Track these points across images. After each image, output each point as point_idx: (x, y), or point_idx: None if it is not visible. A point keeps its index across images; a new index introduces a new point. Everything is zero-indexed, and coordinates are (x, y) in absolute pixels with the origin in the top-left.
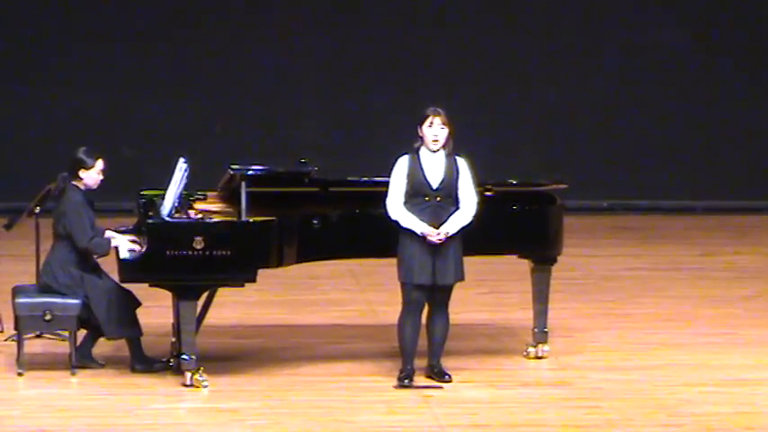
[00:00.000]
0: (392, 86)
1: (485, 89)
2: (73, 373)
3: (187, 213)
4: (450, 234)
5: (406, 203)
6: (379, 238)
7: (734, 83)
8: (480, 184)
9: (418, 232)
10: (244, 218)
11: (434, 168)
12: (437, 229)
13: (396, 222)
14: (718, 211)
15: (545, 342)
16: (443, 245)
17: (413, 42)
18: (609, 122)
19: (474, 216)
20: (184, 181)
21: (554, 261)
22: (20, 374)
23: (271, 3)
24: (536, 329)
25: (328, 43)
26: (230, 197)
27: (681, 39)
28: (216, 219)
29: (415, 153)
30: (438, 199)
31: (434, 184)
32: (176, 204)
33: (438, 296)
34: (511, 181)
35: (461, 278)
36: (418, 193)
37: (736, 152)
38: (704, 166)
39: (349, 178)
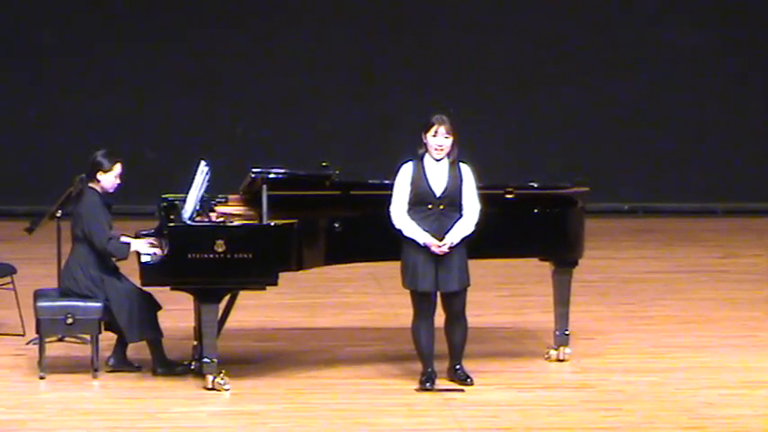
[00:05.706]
0: (414, 89)
1: (506, 93)
2: (94, 377)
3: (208, 216)
4: (454, 244)
5: (409, 211)
6: (400, 241)
7: (755, 86)
8: (501, 186)
9: (421, 243)
10: (265, 221)
11: (438, 176)
12: (440, 237)
13: (399, 231)
14: (739, 214)
15: (566, 345)
16: (447, 253)
17: (433, 46)
18: (630, 125)
19: (477, 224)
20: (206, 184)
21: (575, 264)
22: (42, 378)
23: (292, 6)
24: (557, 332)
25: (349, 47)
26: (251, 200)
27: (702, 42)
28: (237, 222)
29: (419, 160)
30: (441, 207)
31: (438, 191)
32: (197, 208)
33: (451, 303)
34: (532, 184)
35: (467, 284)
36: (422, 201)
37: (756, 155)
38: (725, 169)
39: (370, 181)
